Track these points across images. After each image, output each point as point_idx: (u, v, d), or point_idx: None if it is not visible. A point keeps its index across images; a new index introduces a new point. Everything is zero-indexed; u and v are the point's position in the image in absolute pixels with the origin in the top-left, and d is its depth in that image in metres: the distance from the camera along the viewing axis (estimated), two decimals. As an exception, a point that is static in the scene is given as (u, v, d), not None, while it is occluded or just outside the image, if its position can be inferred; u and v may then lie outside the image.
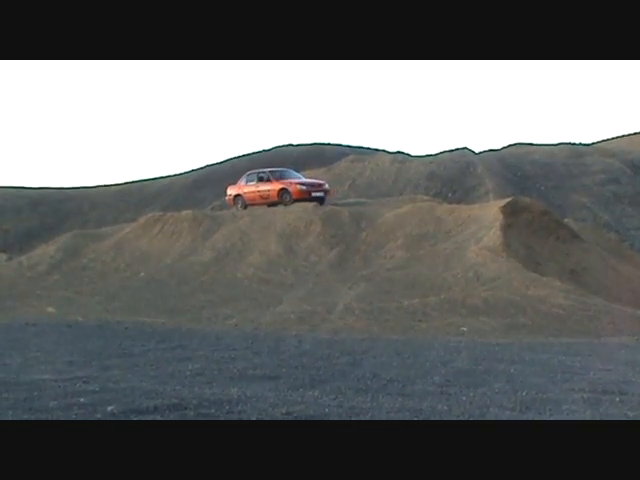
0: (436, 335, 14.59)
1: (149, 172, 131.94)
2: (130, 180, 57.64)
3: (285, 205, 26.27)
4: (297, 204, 26.01)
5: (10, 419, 6.07)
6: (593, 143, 53.74)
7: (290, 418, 6.19)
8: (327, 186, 28.18)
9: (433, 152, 50.24)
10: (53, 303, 20.36)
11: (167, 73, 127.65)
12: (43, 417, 6.15)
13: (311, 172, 38.71)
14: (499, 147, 52.59)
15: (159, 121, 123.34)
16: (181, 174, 56.22)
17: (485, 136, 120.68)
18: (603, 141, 55.30)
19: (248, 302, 19.20)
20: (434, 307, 17.12)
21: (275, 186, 26.79)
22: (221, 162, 55.73)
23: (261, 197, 27.06)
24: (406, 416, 6.38)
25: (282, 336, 13.69)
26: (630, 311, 17.59)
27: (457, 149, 48.05)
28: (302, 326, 15.84)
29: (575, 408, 6.86)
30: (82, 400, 6.84)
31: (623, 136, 55.17)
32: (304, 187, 26.87)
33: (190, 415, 6.27)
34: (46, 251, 26.56)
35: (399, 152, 49.78)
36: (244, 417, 6.21)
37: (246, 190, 27.52)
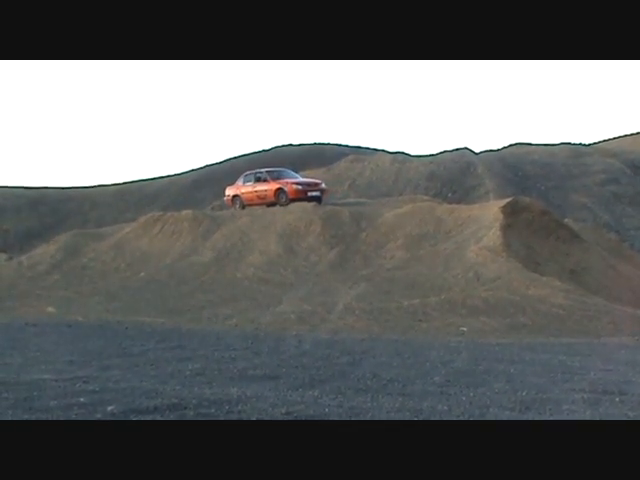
0: (436, 335, 14.58)
1: (149, 172, 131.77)
2: (130, 180, 57.71)
3: (281, 205, 26.28)
4: (297, 204, 26.01)
5: (10, 419, 6.07)
6: (593, 143, 53.78)
7: (290, 418, 6.19)
8: (324, 185, 28.21)
9: (433, 152, 50.32)
10: (53, 303, 20.36)
11: (167, 73, 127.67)
12: (43, 417, 6.15)
13: (311, 172, 38.72)
14: (499, 147, 52.67)
15: (159, 121, 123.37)
16: (181, 174, 56.24)
17: (485, 136, 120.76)
18: (603, 141, 55.34)
19: (248, 302, 19.19)
20: (434, 307, 17.12)
21: (272, 186, 26.81)
22: (221, 162, 55.76)
23: (258, 197, 27.09)
24: (406, 416, 6.38)
25: (282, 336, 13.68)
26: (630, 311, 17.58)
27: (457, 149, 48.05)
28: (302, 326, 15.83)
29: (575, 408, 6.85)
30: (82, 400, 6.84)
31: (623, 136, 55.21)
32: (300, 187, 26.86)
33: (190, 415, 6.27)
34: (46, 251, 26.57)
35: (399, 152, 49.77)
36: (244, 417, 6.21)
37: (244, 190, 27.56)
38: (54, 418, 6.11)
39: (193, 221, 26.17)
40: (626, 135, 55.23)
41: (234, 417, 6.21)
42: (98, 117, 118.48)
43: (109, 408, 6.45)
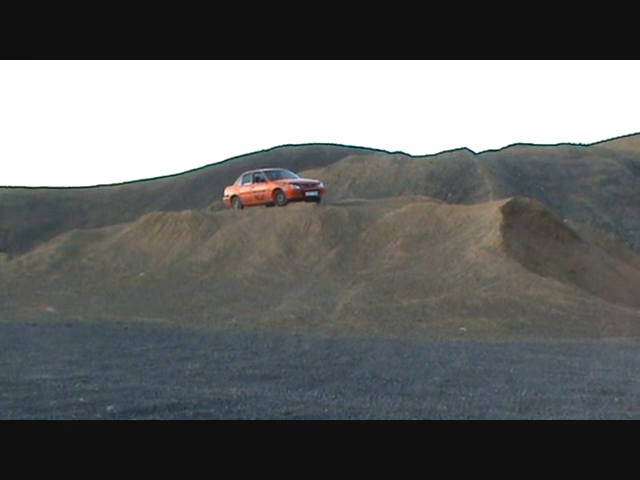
0: (436, 335, 14.58)
1: (149, 172, 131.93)
2: (130, 180, 57.76)
3: (279, 205, 26.31)
4: (297, 204, 26.04)
5: (10, 419, 6.07)
6: (593, 143, 53.80)
7: (289, 418, 6.19)
8: (322, 185, 28.28)
9: (433, 152, 50.32)
10: (53, 303, 20.36)
11: (167, 73, 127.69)
12: (43, 417, 6.15)
13: (311, 172, 38.76)
14: (499, 147, 52.75)
15: (159, 121, 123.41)
16: (181, 174, 56.29)
17: (485, 136, 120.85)
18: (603, 141, 55.36)
19: (248, 302, 19.20)
20: (434, 307, 17.12)
21: (270, 186, 26.86)
22: (221, 162, 55.81)
23: (257, 197, 27.14)
24: (406, 416, 6.38)
25: (282, 336, 13.69)
26: (630, 311, 17.58)
27: (457, 149, 48.04)
28: (302, 326, 15.83)
29: (574, 408, 6.86)
30: (81, 400, 6.85)
31: (623, 136, 55.24)
32: (297, 187, 26.90)
33: (189, 415, 6.27)
34: (46, 251, 26.58)
35: (399, 152, 49.82)
36: (243, 417, 6.21)
37: (242, 191, 27.61)
38: (53, 418, 6.11)
39: (193, 221, 26.18)
40: (626, 135, 55.26)
41: (233, 417, 6.21)
42: (98, 117, 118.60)
43: (108, 408, 6.45)
